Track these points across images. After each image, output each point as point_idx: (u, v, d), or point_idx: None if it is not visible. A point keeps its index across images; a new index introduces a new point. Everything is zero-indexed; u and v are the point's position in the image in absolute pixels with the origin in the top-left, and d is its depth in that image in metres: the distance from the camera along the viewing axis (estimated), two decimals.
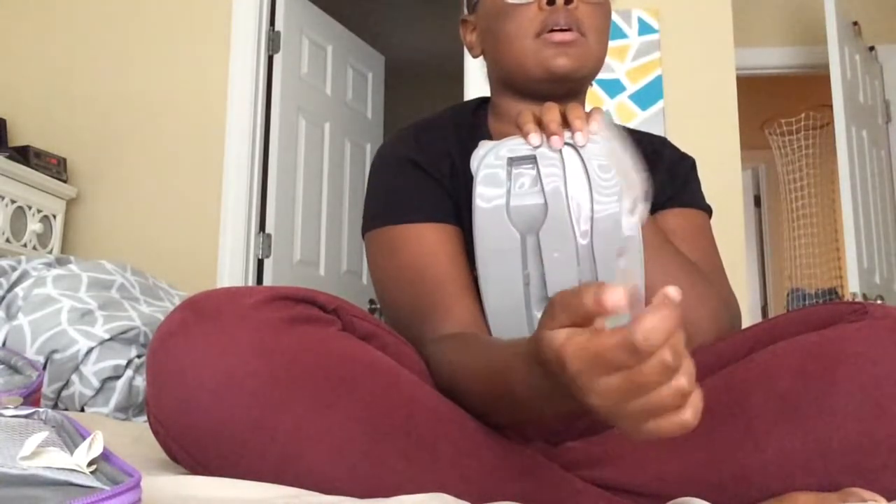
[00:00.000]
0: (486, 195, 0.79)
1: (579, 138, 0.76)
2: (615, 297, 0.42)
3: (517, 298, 0.79)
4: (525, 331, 0.77)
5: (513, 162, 0.79)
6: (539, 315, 0.69)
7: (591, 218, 0.76)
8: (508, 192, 0.78)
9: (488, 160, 0.79)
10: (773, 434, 0.63)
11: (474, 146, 0.85)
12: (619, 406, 0.44)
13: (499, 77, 0.96)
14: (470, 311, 0.82)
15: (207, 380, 0.58)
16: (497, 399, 0.63)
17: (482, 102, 1.02)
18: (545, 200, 0.77)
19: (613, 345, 0.42)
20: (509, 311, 0.79)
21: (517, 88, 0.93)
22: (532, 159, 0.78)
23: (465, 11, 1.01)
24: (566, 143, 0.77)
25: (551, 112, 0.78)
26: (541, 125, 0.78)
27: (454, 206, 0.90)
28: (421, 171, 0.91)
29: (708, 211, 1.00)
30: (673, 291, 0.43)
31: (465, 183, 0.87)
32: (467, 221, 0.84)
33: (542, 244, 0.77)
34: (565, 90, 0.91)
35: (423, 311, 0.83)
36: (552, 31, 0.87)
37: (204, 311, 0.61)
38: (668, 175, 0.97)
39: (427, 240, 0.86)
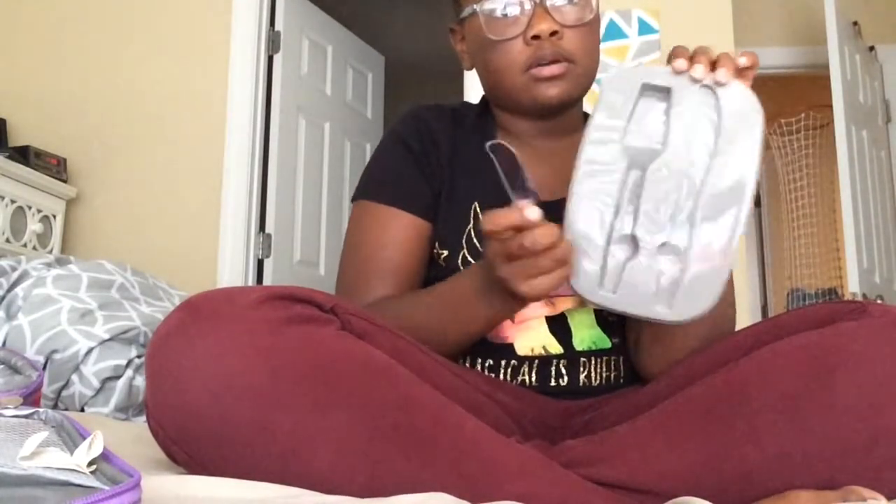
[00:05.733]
0: (603, 125, 0.74)
1: (722, 75, 0.71)
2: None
3: (602, 226, 0.74)
4: (599, 261, 0.73)
5: (644, 90, 0.73)
6: (617, 253, 0.73)
7: (706, 175, 0.71)
8: (627, 124, 0.73)
9: (618, 83, 0.74)
10: (773, 432, 0.63)
11: (473, 143, 0.91)
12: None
13: (490, 97, 0.98)
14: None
15: (206, 380, 0.58)
16: (449, 299, 0.81)
17: (488, 104, 1.02)
18: (664, 144, 0.72)
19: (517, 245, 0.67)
20: (590, 238, 0.74)
21: (508, 110, 0.95)
22: (666, 93, 0.73)
23: (456, 18, 1.00)
24: (705, 86, 0.72)
25: (705, 52, 0.74)
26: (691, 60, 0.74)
27: (432, 196, 0.94)
28: (412, 158, 0.94)
29: None
30: None
31: (449, 175, 0.94)
32: (443, 211, 0.92)
33: (646, 185, 0.72)
34: (557, 113, 0.93)
35: (362, 286, 0.90)
36: (540, 65, 0.87)
37: (201, 311, 0.61)
38: None
39: (393, 225, 0.92)
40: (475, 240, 0.90)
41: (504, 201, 0.90)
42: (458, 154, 0.95)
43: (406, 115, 0.99)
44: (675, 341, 0.81)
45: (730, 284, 0.89)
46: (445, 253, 0.91)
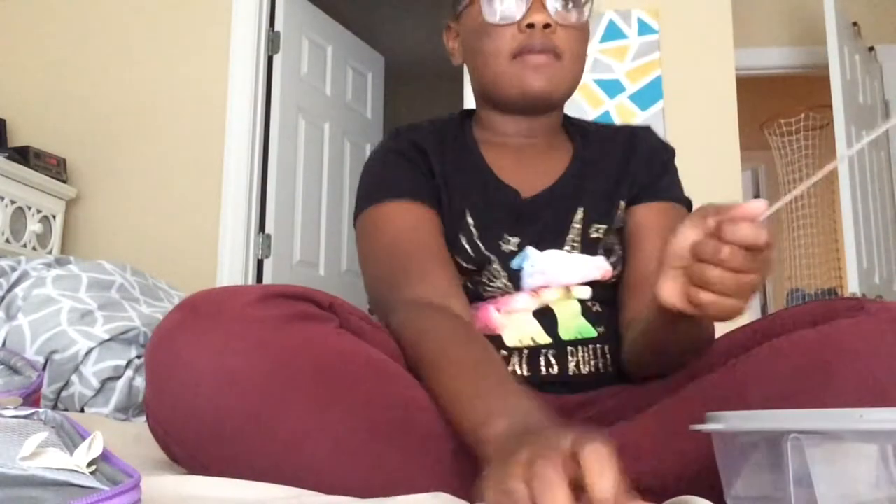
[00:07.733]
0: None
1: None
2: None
3: None
4: None
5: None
6: None
7: None
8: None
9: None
10: None
11: (456, 154, 0.94)
12: None
13: (478, 90, 0.99)
14: (446, 279, 0.85)
15: (206, 379, 0.58)
16: (441, 395, 0.66)
17: (467, 115, 1.04)
18: None
19: None
20: None
21: (495, 104, 0.97)
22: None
23: (452, 16, 1.02)
24: None
25: None
26: None
27: (434, 189, 0.93)
28: (405, 160, 0.95)
29: (685, 203, 0.99)
30: None
31: (441, 184, 0.93)
32: (446, 216, 0.92)
33: None
34: (540, 109, 0.95)
35: (399, 277, 0.84)
36: (529, 53, 0.89)
37: (201, 310, 0.61)
38: (644, 167, 0.98)
39: (407, 215, 0.90)
40: (467, 246, 0.91)
41: (490, 204, 0.91)
42: (445, 165, 0.96)
43: (389, 135, 1.00)
44: (665, 350, 0.80)
45: None
46: None
